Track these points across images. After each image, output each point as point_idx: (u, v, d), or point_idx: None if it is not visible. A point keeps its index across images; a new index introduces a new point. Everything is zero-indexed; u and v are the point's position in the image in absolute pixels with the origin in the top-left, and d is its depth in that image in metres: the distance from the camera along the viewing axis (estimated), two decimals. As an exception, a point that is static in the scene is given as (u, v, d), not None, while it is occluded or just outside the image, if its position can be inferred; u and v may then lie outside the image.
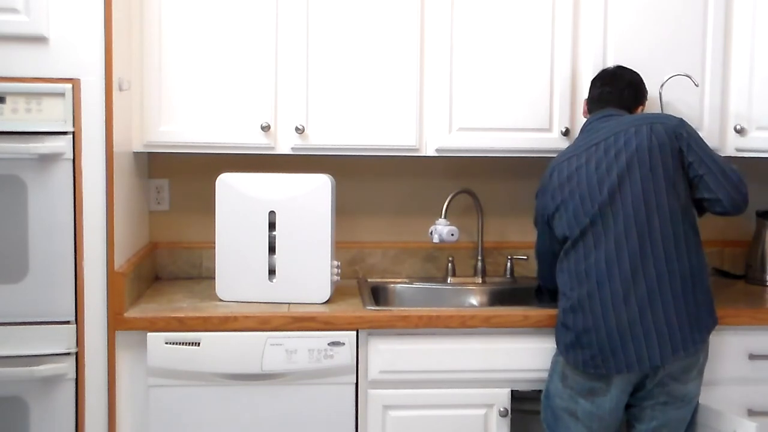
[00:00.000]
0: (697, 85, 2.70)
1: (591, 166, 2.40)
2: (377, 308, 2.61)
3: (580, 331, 2.35)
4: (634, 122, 2.43)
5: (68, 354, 2.41)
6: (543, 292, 2.77)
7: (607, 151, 2.39)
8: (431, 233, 2.89)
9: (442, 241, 2.88)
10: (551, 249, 2.55)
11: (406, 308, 2.69)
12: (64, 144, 2.38)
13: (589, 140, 2.46)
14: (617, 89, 2.57)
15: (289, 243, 2.60)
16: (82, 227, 2.41)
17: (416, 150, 2.76)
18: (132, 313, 2.48)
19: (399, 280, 3.04)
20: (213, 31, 2.66)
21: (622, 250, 2.32)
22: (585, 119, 2.62)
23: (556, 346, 2.46)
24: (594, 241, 2.36)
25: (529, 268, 3.08)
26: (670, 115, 2.49)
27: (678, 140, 2.39)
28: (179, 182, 3.02)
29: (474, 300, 2.99)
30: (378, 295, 2.86)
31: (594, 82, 2.63)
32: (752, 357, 2.58)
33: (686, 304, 2.33)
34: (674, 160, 2.38)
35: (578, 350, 2.36)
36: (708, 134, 2.76)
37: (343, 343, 2.48)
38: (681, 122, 2.42)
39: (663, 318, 2.30)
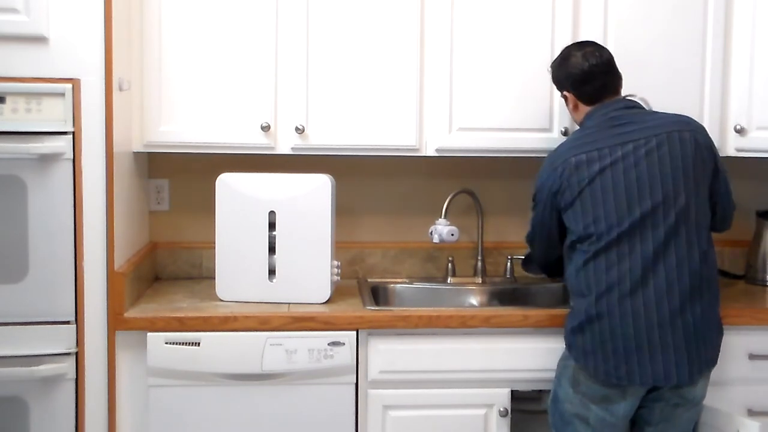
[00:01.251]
0: (652, 111, 2.58)
1: (629, 161, 2.32)
2: (377, 308, 2.61)
3: (606, 338, 2.29)
4: (671, 126, 2.37)
5: (68, 354, 2.41)
6: (531, 262, 2.75)
7: (649, 154, 2.32)
8: (431, 233, 2.89)
9: (442, 241, 2.88)
10: (550, 226, 2.48)
11: (407, 308, 2.69)
12: (64, 144, 2.38)
13: (621, 132, 2.36)
14: (614, 73, 2.49)
15: (289, 243, 2.60)
16: (82, 227, 2.41)
17: (416, 150, 2.76)
18: (132, 313, 2.48)
19: (399, 280, 3.04)
20: (213, 31, 2.66)
21: (659, 262, 2.28)
22: (580, 108, 2.51)
23: (566, 350, 2.41)
24: (629, 247, 2.29)
25: (529, 268, 3.09)
26: (696, 121, 2.45)
27: (715, 159, 2.41)
28: (179, 182, 3.02)
29: (474, 300, 2.99)
30: (378, 295, 2.86)
31: (585, 76, 2.46)
32: (752, 357, 2.58)
33: (710, 321, 2.33)
34: (709, 177, 2.39)
35: (599, 357, 2.30)
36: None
37: (343, 343, 2.48)
38: (709, 137, 2.43)
39: (693, 334, 2.28)
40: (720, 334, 2.38)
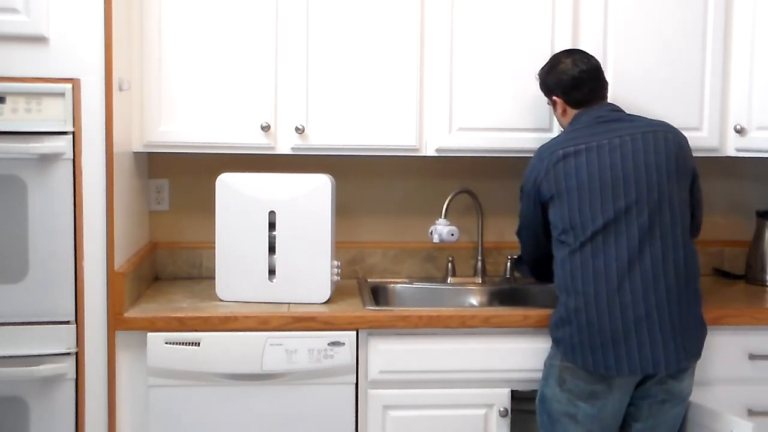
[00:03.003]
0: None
1: (616, 154, 2.36)
2: (377, 308, 2.61)
3: (594, 330, 2.31)
4: (658, 126, 2.43)
5: (68, 354, 2.41)
6: (522, 262, 2.80)
7: (636, 149, 2.37)
8: (431, 233, 2.89)
9: (442, 241, 2.88)
10: (535, 217, 2.54)
11: (406, 308, 2.69)
12: (64, 144, 2.38)
13: (610, 129, 2.41)
14: (602, 79, 2.55)
15: (289, 243, 2.60)
16: (82, 227, 2.41)
17: (416, 150, 2.76)
18: (132, 313, 2.48)
19: (399, 280, 3.04)
20: (213, 31, 2.66)
21: (645, 253, 2.31)
22: (568, 112, 2.55)
23: (553, 347, 2.43)
24: (615, 238, 2.33)
25: (529, 268, 3.09)
26: (679, 131, 2.49)
27: (694, 166, 2.46)
28: (179, 182, 3.02)
29: (474, 300, 2.99)
30: (378, 295, 2.86)
31: (575, 81, 2.51)
32: (752, 357, 2.58)
33: (694, 316, 2.36)
34: (689, 180, 2.44)
35: (587, 349, 2.32)
36: (708, 134, 2.77)
37: (343, 343, 2.48)
38: (689, 147, 2.47)
39: (678, 322, 2.32)
40: (703, 329, 2.41)
